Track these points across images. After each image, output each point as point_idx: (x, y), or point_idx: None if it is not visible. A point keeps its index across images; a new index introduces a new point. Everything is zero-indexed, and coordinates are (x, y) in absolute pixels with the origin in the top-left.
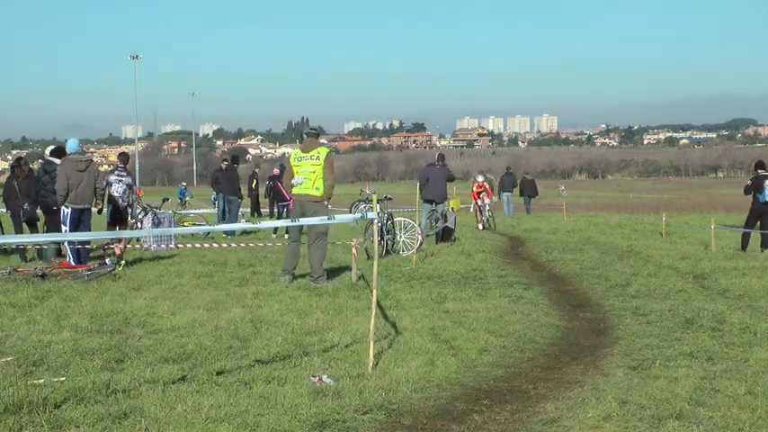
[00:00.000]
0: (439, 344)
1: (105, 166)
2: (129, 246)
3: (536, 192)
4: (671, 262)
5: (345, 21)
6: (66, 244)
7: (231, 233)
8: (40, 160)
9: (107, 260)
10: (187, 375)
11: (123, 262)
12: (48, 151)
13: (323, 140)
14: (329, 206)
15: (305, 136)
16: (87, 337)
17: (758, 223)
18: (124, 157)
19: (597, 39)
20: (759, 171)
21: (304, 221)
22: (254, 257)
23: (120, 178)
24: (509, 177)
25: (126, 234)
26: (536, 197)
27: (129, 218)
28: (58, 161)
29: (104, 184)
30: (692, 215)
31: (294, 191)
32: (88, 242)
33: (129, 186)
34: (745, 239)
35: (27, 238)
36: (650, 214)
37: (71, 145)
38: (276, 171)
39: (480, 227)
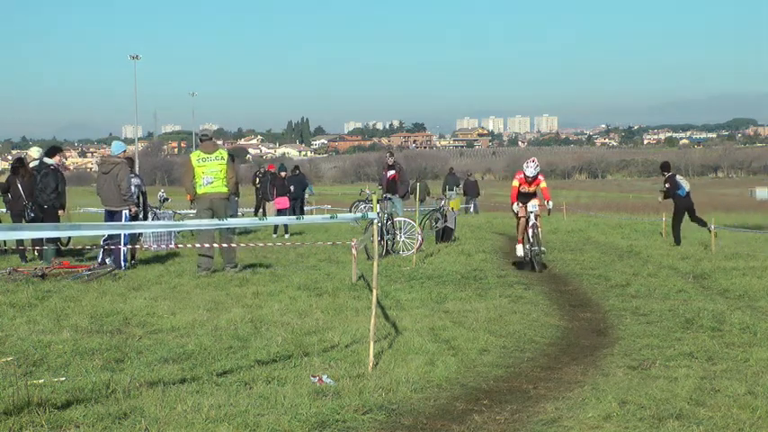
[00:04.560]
0: (439, 344)
1: None
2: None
3: (478, 192)
4: (671, 262)
5: (345, 21)
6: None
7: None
8: (35, 162)
9: (107, 260)
10: (187, 375)
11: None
12: (33, 152)
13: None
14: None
15: (200, 140)
16: (87, 337)
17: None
18: (129, 161)
19: (598, 39)
20: (669, 172)
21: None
22: (254, 257)
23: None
24: (452, 177)
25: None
26: (478, 197)
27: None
28: (49, 161)
29: (131, 188)
30: None
31: (204, 190)
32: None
33: (138, 187)
34: (677, 235)
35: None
36: (650, 214)
37: (113, 147)
38: (272, 167)
39: (520, 251)
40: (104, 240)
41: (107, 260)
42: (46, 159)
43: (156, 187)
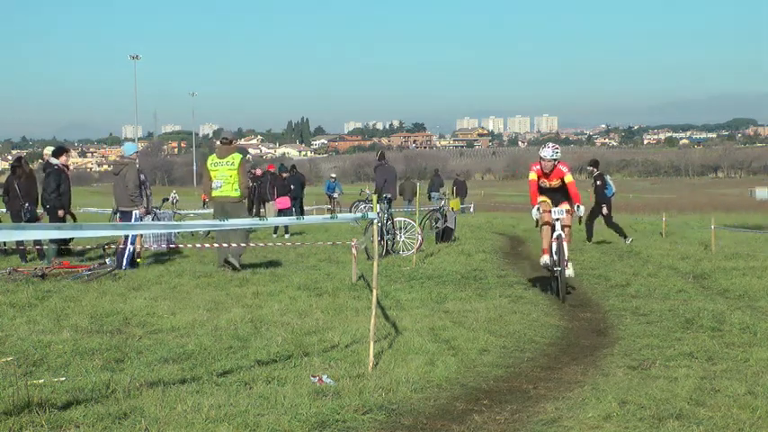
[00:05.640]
0: (439, 344)
1: (105, 167)
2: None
3: (466, 192)
4: (671, 262)
5: (345, 21)
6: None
7: None
8: (40, 160)
9: (107, 260)
10: (187, 375)
11: (139, 261)
12: (47, 151)
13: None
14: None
15: (219, 143)
16: (87, 337)
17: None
18: None
19: (597, 38)
20: (597, 169)
21: (275, 221)
22: (255, 257)
23: None
24: (437, 179)
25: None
26: (466, 197)
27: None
28: (54, 161)
29: (140, 187)
30: (691, 215)
31: (215, 193)
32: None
33: (143, 184)
34: (590, 230)
35: (21, 232)
36: (650, 214)
37: (125, 148)
38: (272, 167)
39: (545, 260)
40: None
41: (107, 260)
42: (51, 159)
43: (157, 187)
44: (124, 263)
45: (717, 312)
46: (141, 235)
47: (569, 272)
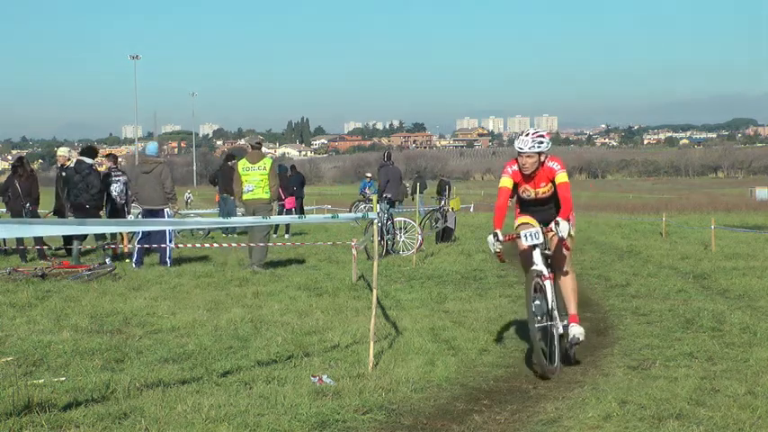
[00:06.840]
0: (439, 344)
1: (106, 166)
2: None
3: (450, 193)
4: (671, 262)
5: (345, 20)
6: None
7: (230, 231)
8: (40, 160)
9: (107, 260)
10: (187, 375)
11: (127, 260)
12: (64, 151)
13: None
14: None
15: (250, 147)
16: (87, 337)
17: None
18: (113, 158)
19: (597, 39)
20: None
21: (277, 219)
22: None
23: (117, 178)
24: (420, 180)
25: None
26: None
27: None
28: (89, 161)
29: (170, 186)
30: (691, 215)
31: (246, 196)
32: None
33: (126, 185)
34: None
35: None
36: (650, 214)
37: (148, 148)
38: None
39: (535, 340)
40: (139, 240)
41: (107, 260)
42: (86, 159)
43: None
44: (168, 262)
45: (717, 312)
46: (131, 235)
47: (576, 332)
